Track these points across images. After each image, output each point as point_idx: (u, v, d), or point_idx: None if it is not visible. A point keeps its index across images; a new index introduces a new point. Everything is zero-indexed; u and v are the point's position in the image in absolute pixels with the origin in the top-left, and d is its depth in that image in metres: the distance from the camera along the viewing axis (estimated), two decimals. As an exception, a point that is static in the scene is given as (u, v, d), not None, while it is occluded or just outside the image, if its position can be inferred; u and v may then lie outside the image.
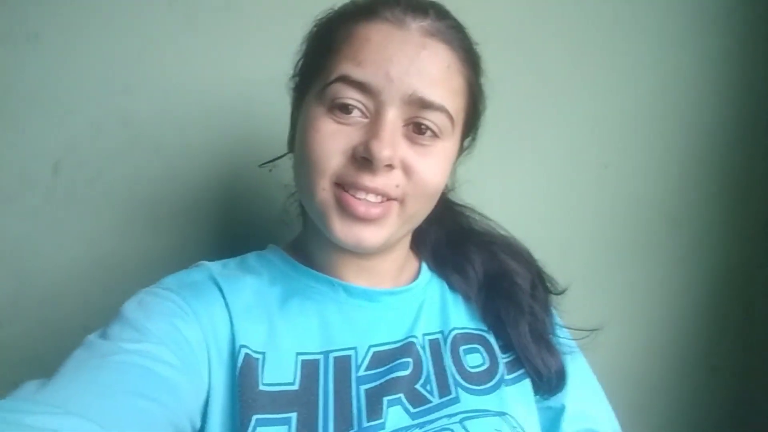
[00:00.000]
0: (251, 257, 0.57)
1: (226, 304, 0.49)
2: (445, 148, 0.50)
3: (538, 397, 0.57)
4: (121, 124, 0.72)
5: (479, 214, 0.65)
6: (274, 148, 0.77)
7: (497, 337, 0.58)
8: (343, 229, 0.48)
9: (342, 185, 0.47)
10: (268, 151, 0.77)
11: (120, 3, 0.70)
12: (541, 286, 0.61)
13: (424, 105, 0.47)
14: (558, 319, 0.63)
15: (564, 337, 0.61)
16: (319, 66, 0.50)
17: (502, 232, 0.64)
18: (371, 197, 0.47)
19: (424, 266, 0.61)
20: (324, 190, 0.48)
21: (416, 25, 0.47)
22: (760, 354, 1.13)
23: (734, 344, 1.13)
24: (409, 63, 0.46)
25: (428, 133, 0.48)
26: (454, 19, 0.52)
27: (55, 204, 0.70)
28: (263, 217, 0.78)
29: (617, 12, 0.98)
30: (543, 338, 0.57)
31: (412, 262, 0.61)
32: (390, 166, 0.46)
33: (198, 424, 0.44)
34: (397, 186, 0.47)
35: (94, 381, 0.38)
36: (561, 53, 0.95)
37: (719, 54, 1.04)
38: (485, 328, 0.58)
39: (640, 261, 1.04)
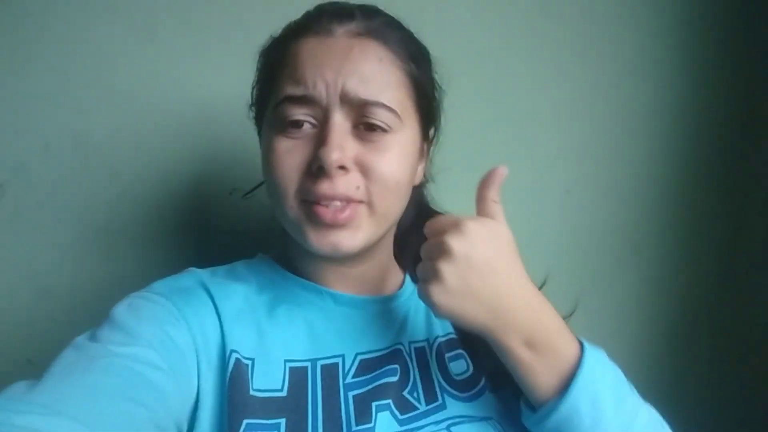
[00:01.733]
0: (240, 265, 0.58)
1: (216, 310, 0.49)
2: (399, 140, 0.50)
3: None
4: (72, 146, 0.69)
5: None
6: (233, 171, 0.76)
7: (465, 345, 0.58)
8: (318, 238, 0.49)
9: (307, 201, 0.49)
10: (227, 172, 0.75)
11: (77, 21, 0.69)
12: None
13: (362, 103, 0.48)
14: None
15: None
16: (268, 91, 0.53)
17: None
18: (336, 203, 0.48)
19: (408, 278, 0.62)
20: (292, 208, 0.49)
21: (342, 30, 0.50)
22: (728, 380, 1.15)
23: (701, 371, 1.14)
24: (340, 65, 0.48)
25: (378, 130, 0.49)
26: (386, 16, 0.53)
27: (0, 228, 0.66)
28: (220, 244, 0.76)
29: (576, 39, 1.01)
30: None
31: (397, 273, 0.62)
32: (344, 169, 0.47)
33: (185, 429, 0.44)
34: (357, 188, 0.48)
35: (83, 383, 0.38)
36: (523, 79, 0.97)
37: (680, 81, 1.08)
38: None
39: (603, 287, 1.05)
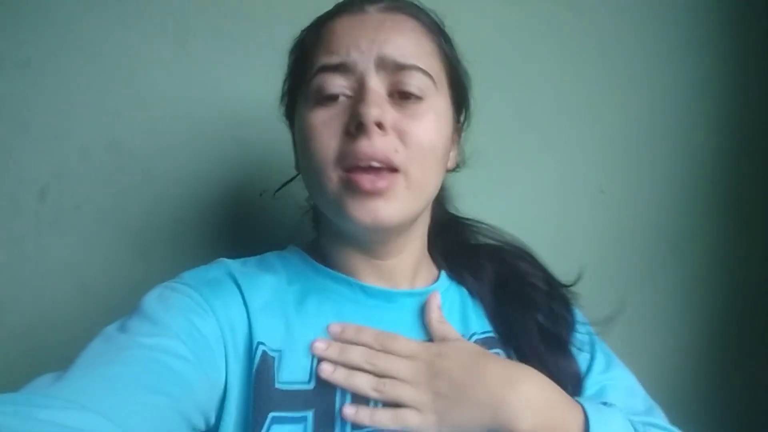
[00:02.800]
0: (271, 256, 0.58)
1: (244, 301, 0.50)
2: (433, 107, 0.51)
3: None
4: (109, 150, 0.71)
5: (485, 224, 0.65)
6: (263, 173, 0.77)
7: (509, 346, 0.56)
8: (357, 209, 0.48)
9: (347, 168, 0.48)
10: (257, 175, 0.76)
11: (111, 29, 0.71)
12: (556, 282, 0.61)
13: (398, 66, 0.49)
14: (580, 316, 0.62)
15: (586, 333, 0.59)
16: (302, 75, 0.53)
17: (508, 237, 0.64)
18: (375, 163, 0.47)
19: (444, 274, 0.61)
20: (331, 180, 0.49)
21: (374, 8, 0.51)
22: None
23: (744, 375, 1.09)
24: (375, 34, 0.49)
25: (412, 97, 0.49)
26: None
27: (40, 230, 0.69)
28: (251, 243, 0.77)
29: (609, 35, 0.98)
30: (556, 339, 0.56)
31: (431, 269, 0.61)
32: (382, 127, 0.47)
33: (212, 420, 0.45)
34: (396, 150, 0.48)
35: (107, 375, 0.38)
36: (556, 77, 0.96)
37: (714, 74, 1.04)
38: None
39: (640, 289, 1.02)
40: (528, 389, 0.46)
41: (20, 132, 0.68)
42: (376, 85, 0.48)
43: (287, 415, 0.45)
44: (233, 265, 0.54)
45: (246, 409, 0.45)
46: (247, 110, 0.76)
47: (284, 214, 0.78)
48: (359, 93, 0.48)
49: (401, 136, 0.48)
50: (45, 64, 0.68)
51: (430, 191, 0.53)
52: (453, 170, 0.60)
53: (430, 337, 0.53)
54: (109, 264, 0.72)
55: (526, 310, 0.57)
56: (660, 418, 0.54)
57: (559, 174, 0.96)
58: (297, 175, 0.62)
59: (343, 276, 0.54)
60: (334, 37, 0.50)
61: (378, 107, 0.46)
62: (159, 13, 0.73)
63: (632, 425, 0.47)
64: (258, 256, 0.58)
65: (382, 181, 0.47)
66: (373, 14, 0.51)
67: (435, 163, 0.51)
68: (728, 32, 1.05)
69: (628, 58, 1.00)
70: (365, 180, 0.47)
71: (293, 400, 0.46)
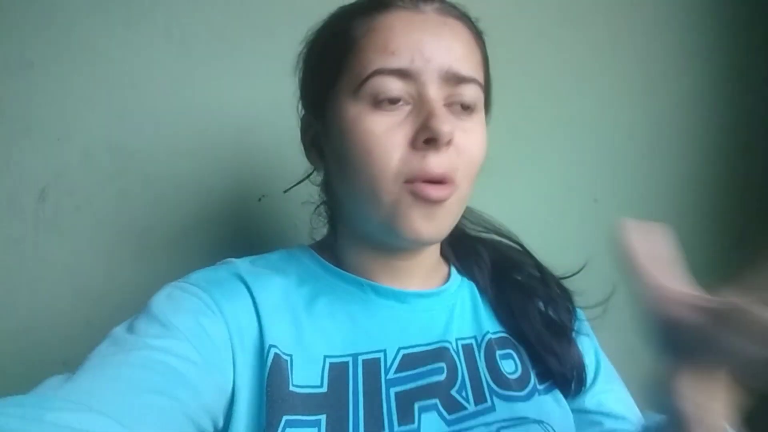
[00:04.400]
0: (280, 255, 0.57)
1: (254, 303, 0.49)
2: (481, 120, 0.51)
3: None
4: (109, 152, 0.71)
5: (474, 210, 0.65)
6: (264, 176, 0.78)
7: (516, 338, 0.57)
8: (420, 222, 0.47)
9: (408, 180, 0.46)
10: (257, 179, 0.77)
11: (115, 32, 0.71)
12: (547, 271, 0.62)
13: (459, 80, 0.47)
14: (579, 312, 0.62)
15: (586, 333, 0.60)
16: (341, 68, 0.49)
17: (497, 225, 0.65)
18: (438, 179, 0.47)
19: (454, 270, 0.60)
20: (390, 192, 0.47)
21: (430, 8, 0.49)
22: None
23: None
24: (438, 41, 0.47)
25: (468, 109, 0.49)
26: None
27: (39, 231, 0.69)
28: (253, 247, 0.77)
29: (603, 49, 1.00)
30: (559, 325, 0.57)
31: (442, 266, 0.60)
32: (450, 143, 0.46)
33: (221, 424, 0.44)
34: (456, 169, 0.48)
35: (117, 377, 0.38)
36: (551, 88, 0.97)
37: (707, 86, 1.07)
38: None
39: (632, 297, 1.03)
40: None
41: (21, 133, 0.68)
42: (437, 96, 0.47)
43: (301, 418, 0.44)
44: (242, 265, 0.53)
45: (258, 413, 0.44)
46: (249, 115, 0.77)
47: (282, 218, 0.78)
48: (424, 104, 0.46)
49: (458, 150, 0.47)
50: (48, 65, 0.69)
51: (468, 200, 0.53)
52: None
53: (439, 339, 0.52)
54: (109, 266, 0.72)
55: (525, 296, 0.58)
56: None
57: (554, 182, 0.97)
58: (311, 173, 0.61)
59: (353, 276, 0.53)
60: (392, 35, 0.46)
61: (450, 123, 0.45)
62: (163, 16, 0.73)
63: None
64: (266, 254, 0.57)
65: (444, 191, 0.47)
66: (432, 16, 0.48)
67: (476, 175, 0.51)
68: (722, 45, 1.07)
69: (621, 72, 1.02)
70: (431, 189, 0.46)
71: (307, 403, 0.45)
